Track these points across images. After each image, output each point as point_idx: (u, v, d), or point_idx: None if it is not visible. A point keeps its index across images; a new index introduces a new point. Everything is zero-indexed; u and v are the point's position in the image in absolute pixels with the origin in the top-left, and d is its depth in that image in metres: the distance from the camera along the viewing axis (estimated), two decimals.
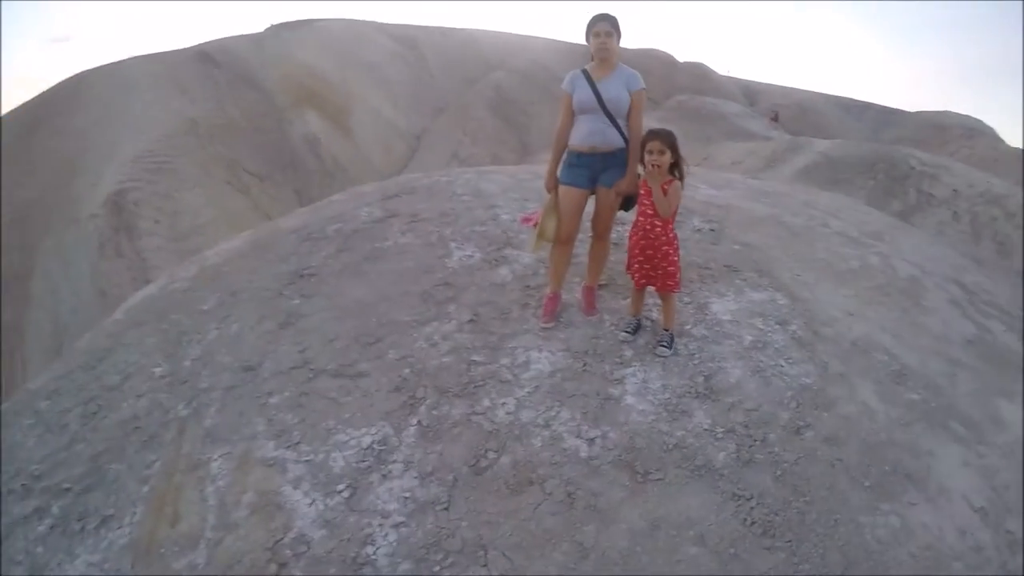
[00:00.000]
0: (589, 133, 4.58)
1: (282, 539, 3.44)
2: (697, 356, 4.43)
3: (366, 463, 3.77)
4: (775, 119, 34.10)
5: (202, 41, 31.35)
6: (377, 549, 3.34)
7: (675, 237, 4.47)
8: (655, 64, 37.40)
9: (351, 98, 31.93)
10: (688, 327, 4.72)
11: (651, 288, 4.56)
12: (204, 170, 24.40)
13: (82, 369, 5.19)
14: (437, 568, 3.24)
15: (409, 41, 36.71)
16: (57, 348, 18.44)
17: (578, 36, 4.78)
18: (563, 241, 4.76)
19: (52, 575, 3.68)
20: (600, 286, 5.13)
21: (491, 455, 3.74)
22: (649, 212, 4.41)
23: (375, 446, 3.86)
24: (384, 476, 3.70)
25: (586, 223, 4.89)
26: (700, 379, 4.23)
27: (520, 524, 3.40)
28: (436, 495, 3.57)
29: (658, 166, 4.29)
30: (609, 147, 4.58)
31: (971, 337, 5.33)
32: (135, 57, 28.96)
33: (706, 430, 3.86)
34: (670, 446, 3.76)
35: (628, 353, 4.45)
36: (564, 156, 4.77)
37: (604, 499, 3.50)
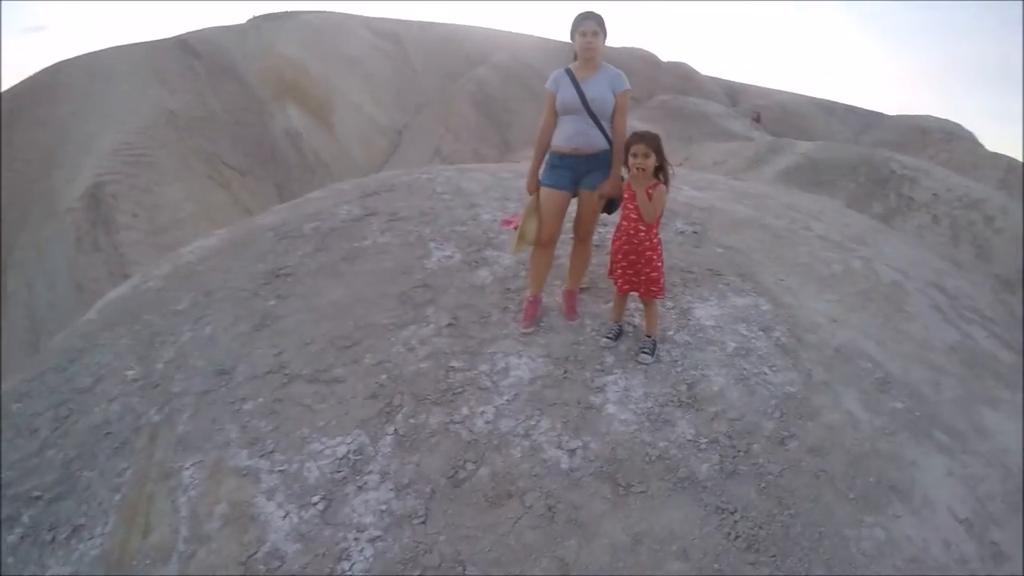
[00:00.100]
0: (572, 134, 4.49)
1: (255, 553, 3.34)
2: (680, 363, 4.36)
3: (341, 473, 3.67)
4: (757, 120, 34.29)
5: (183, 31, 31.02)
6: (353, 565, 3.24)
7: (659, 242, 4.39)
8: (638, 63, 37.49)
9: (333, 92, 31.81)
10: (671, 333, 4.65)
11: (634, 293, 4.48)
12: (184, 163, 24.22)
13: (54, 371, 5.06)
14: None
15: (391, 35, 36.54)
16: (34, 343, 18.24)
17: (562, 33, 4.69)
18: (544, 244, 4.66)
19: None
20: (582, 290, 5.04)
21: (469, 466, 3.65)
22: (633, 216, 4.33)
23: (350, 456, 3.76)
24: (360, 488, 3.60)
25: (568, 225, 4.81)
26: (683, 387, 4.15)
27: (499, 539, 3.31)
28: (413, 508, 3.47)
29: (643, 169, 4.20)
30: (592, 149, 4.49)
31: (953, 343, 5.31)
32: (114, 47, 28.70)
33: (689, 440, 3.78)
34: (653, 457, 3.68)
35: (610, 360, 4.37)
36: (546, 157, 4.68)
37: (585, 512, 3.41)
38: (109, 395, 4.61)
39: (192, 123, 25.95)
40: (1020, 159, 26.11)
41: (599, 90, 4.43)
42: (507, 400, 4.05)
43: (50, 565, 3.64)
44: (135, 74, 26.68)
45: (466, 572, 3.18)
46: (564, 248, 5.05)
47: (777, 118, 36.89)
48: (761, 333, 4.71)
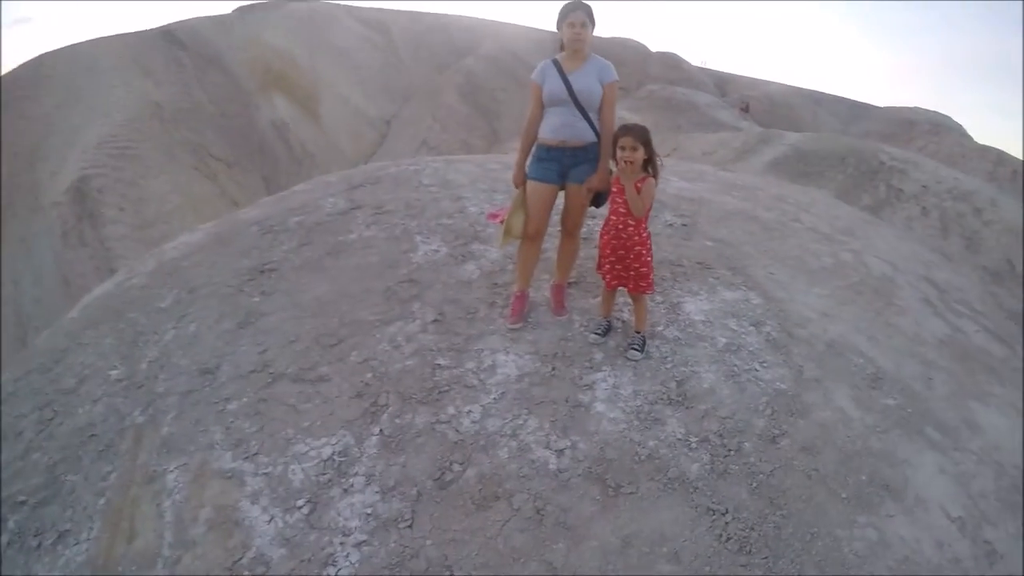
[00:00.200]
0: (559, 126, 4.41)
1: (240, 559, 3.28)
2: (670, 360, 4.29)
3: (326, 476, 3.60)
4: (745, 109, 34.33)
5: (168, 22, 30.76)
6: (339, 570, 3.18)
7: (648, 237, 4.32)
8: (627, 53, 37.43)
9: (320, 83, 31.69)
10: (660, 328, 4.58)
11: (623, 288, 4.42)
12: (170, 155, 24.08)
13: (38, 372, 4.98)
14: None
15: (379, 25, 36.34)
16: (22, 338, 18.11)
17: (550, 23, 4.58)
18: (531, 238, 4.58)
19: None
20: (570, 284, 4.97)
21: (456, 467, 3.58)
22: (621, 211, 4.25)
23: (336, 457, 3.69)
24: (345, 490, 3.52)
25: (555, 218, 4.73)
26: (673, 384, 4.08)
27: (487, 542, 3.24)
28: (399, 511, 3.40)
29: (631, 163, 4.12)
30: (580, 141, 4.41)
31: (944, 337, 5.27)
32: (98, 38, 28.44)
33: (679, 439, 3.72)
34: (642, 457, 3.61)
35: (598, 356, 4.30)
36: (533, 150, 4.59)
37: (574, 515, 3.35)
38: (93, 396, 4.53)
39: (178, 115, 25.81)
40: (1010, 152, 26.15)
41: (586, 81, 4.34)
42: (494, 399, 3.97)
43: (36, 571, 3.58)
44: (120, 66, 26.49)
45: None
46: (552, 241, 4.97)
47: (766, 109, 36.94)
48: (752, 328, 4.65)
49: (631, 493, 3.44)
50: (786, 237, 6.25)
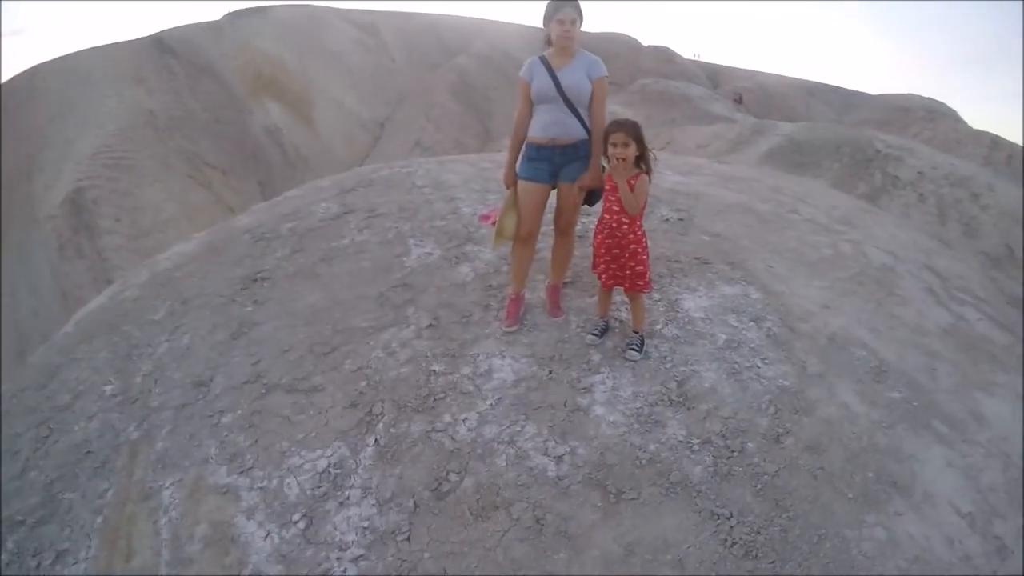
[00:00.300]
0: (548, 124, 4.31)
1: None
2: (669, 359, 4.20)
3: (322, 489, 3.54)
4: (739, 101, 34.25)
5: (158, 30, 30.73)
6: None
7: (644, 234, 4.23)
8: (619, 48, 37.43)
9: (312, 87, 31.67)
10: (659, 327, 4.49)
11: (619, 287, 4.33)
12: (164, 164, 24.07)
13: (33, 388, 4.93)
14: None
15: (369, 27, 36.30)
16: (21, 352, 18.03)
17: (539, 21, 4.48)
18: (524, 239, 4.49)
19: None
20: (565, 284, 4.88)
21: (453, 477, 3.50)
22: (615, 209, 4.16)
23: (331, 470, 3.62)
24: (341, 504, 3.46)
25: (549, 218, 4.64)
26: (673, 385, 3.99)
27: (486, 554, 3.17)
28: (396, 524, 3.33)
29: (623, 159, 4.02)
30: (570, 139, 4.32)
31: (947, 327, 5.18)
32: (90, 48, 28.38)
33: (681, 442, 3.63)
34: (643, 461, 3.53)
35: (596, 358, 4.21)
36: (523, 149, 4.50)
37: (575, 523, 3.27)
38: (88, 412, 4.48)
39: (171, 123, 25.76)
40: (1004, 136, 26.09)
41: (575, 77, 4.25)
42: (491, 405, 3.89)
43: None
44: (112, 76, 26.43)
45: None
46: (547, 240, 4.89)
47: (759, 100, 36.86)
48: (752, 324, 4.57)
49: (633, 499, 3.36)
50: (784, 229, 6.17)
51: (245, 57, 30.89)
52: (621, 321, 4.55)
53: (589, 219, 5.27)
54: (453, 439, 3.70)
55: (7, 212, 21.66)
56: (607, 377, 4.06)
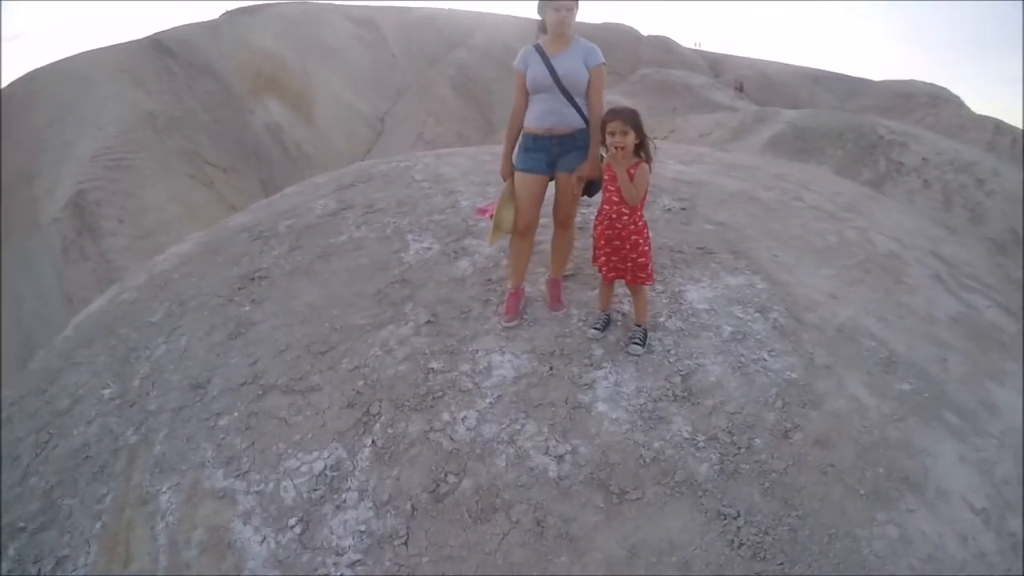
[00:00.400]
0: (545, 113, 4.20)
1: None
2: (673, 352, 4.10)
3: (318, 492, 3.47)
4: (740, 89, 34.11)
5: (155, 31, 30.78)
6: None
7: (644, 225, 4.12)
8: (619, 38, 37.34)
9: (311, 83, 31.72)
10: (662, 319, 4.39)
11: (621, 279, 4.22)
12: (165, 165, 24.18)
13: (33, 394, 4.91)
14: None
15: (367, 22, 36.30)
16: (27, 358, 18.03)
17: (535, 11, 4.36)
18: (522, 232, 4.38)
19: None
20: (566, 277, 4.78)
21: (451, 479, 3.41)
22: (615, 199, 4.04)
23: (328, 472, 3.55)
24: (338, 507, 3.39)
25: (548, 209, 4.52)
26: (677, 379, 3.88)
27: (485, 558, 3.08)
28: (394, 527, 3.25)
29: (622, 148, 3.90)
30: (567, 128, 4.20)
31: (956, 315, 5.07)
32: (87, 51, 28.46)
33: (686, 439, 3.52)
34: (647, 460, 3.42)
35: (598, 352, 4.10)
36: (519, 140, 4.38)
37: (577, 525, 3.17)
38: (87, 417, 4.45)
39: (171, 123, 25.85)
40: (1007, 121, 25.97)
41: (571, 65, 4.13)
42: (490, 403, 3.80)
43: None
44: (110, 77, 26.51)
45: None
46: (547, 232, 4.78)
47: (761, 87, 36.73)
48: (758, 315, 4.45)
49: (636, 499, 3.26)
50: (788, 217, 6.06)
51: (243, 56, 30.94)
52: (623, 314, 4.45)
53: (589, 210, 5.18)
54: (451, 439, 3.61)
55: (9, 218, 21.72)
56: (609, 372, 3.96)
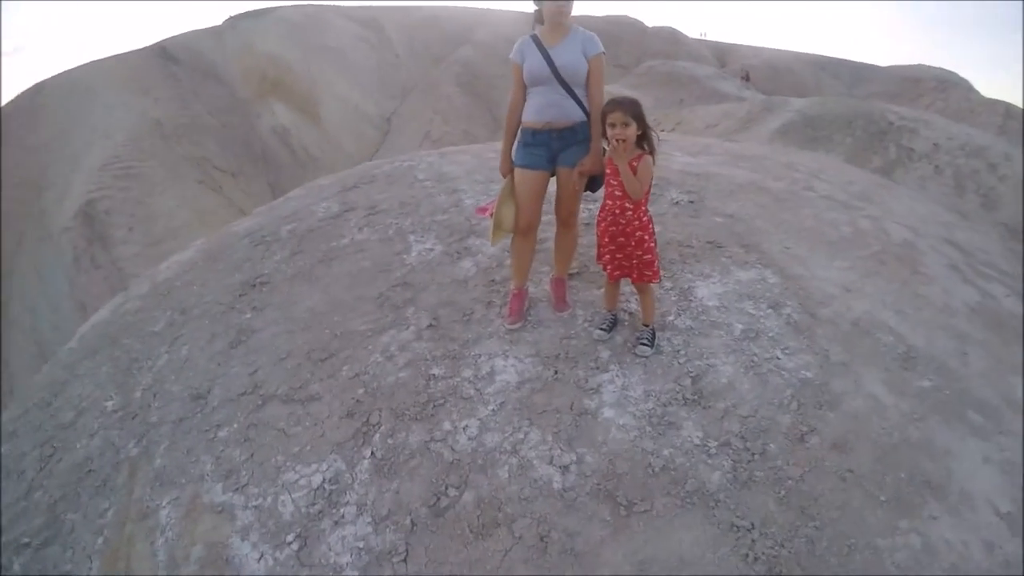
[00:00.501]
0: (544, 107, 4.05)
1: None
2: (683, 352, 3.94)
3: (317, 506, 3.37)
4: (746, 78, 33.94)
5: (159, 39, 31.11)
6: None
7: (650, 220, 3.95)
8: (625, 31, 37.22)
9: (317, 86, 31.91)
10: (671, 318, 4.24)
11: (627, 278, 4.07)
12: (173, 171, 24.46)
13: (38, 407, 4.90)
14: None
15: (371, 22, 36.42)
16: (41, 368, 18.15)
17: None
18: (524, 231, 4.24)
19: None
20: (571, 275, 4.64)
21: (452, 492, 3.28)
22: (617, 194, 3.88)
23: (326, 486, 3.46)
24: (336, 523, 3.29)
25: (549, 207, 4.39)
26: (687, 381, 3.73)
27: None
28: (392, 543, 3.13)
29: (623, 140, 3.72)
30: (567, 121, 4.05)
31: (975, 305, 4.89)
32: (92, 62, 28.92)
33: (697, 445, 3.37)
34: (656, 469, 3.27)
35: (605, 355, 3.96)
36: (518, 135, 4.23)
37: (582, 539, 3.03)
38: (90, 429, 4.43)
39: (178, 130, 26.20)
40: (1017, 105, 25.74)
41: (570, 56, 3.97)
42: (492, 410, 3.67)
43: None
44: (116, 87, 26.90)
45: None
46: (550, 229, 4.66)
47: (767, 76, 36.56)
48: (770, 311, 4.29)
49: (645, 511, 3.11)
50: (799, 207, 5.89)
51: (248, 60, 31.23)
52: (631, 313, 4.30)
53: (596, 205, 5.03)
54: (452, 449, 3.49)
55: (20, 229, 21.97)
56: (616, 375, 3.81)
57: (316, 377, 4.12)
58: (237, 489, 3.56)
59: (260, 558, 3.22)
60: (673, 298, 4.44)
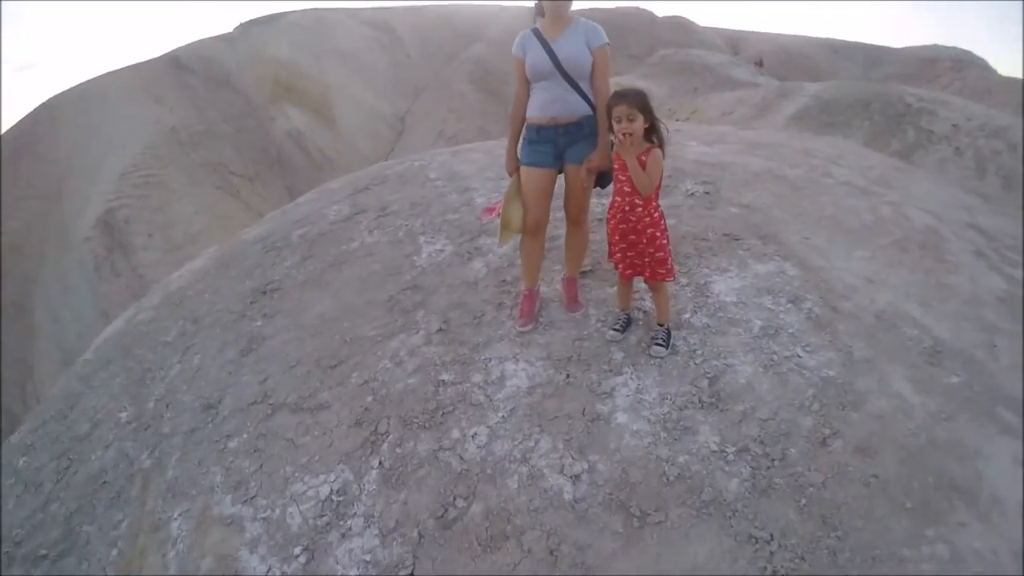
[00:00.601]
0: (548, 102, 3.92)
1: None
2: (699, 352, 3.81)
3: (324, 518, 3.32)
4: (760, 64, 33.63)
5: (172, 48, 31.55)
6: None
7: (661, 216, 3.80)
8: (635, 21, 37.09)
9: (330, 88, 32.20)
10: (687, 316, 4.10)
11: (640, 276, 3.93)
12: (191, 178, 24.82)
13: (55, 419, 4.95)
14: None
15: (382, 23, 36.65)
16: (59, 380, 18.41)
17: None
18: (532, 231, 4.12)
19: None
20: (583, 274, 4.53)
21: (460, 503, 3.19)
22: (626, 190, 3.74)
23: (334, 497, 3.41)
24: (343, 535, 3.23)
25: (558, 204, 4.29)
26: (704, 383, 3.59)
27: None
28: (400, 557, 3.06)
29: (630, 134, 3.57)
30: (572, 116, 3.92)
31: (1001, 294, 4.69)
32: (106, 74, 29.49)
33: (714, 452, 3.23)
34: (671, 477, 3.14)
35: (618, 356, 3.84)
36: (523, 132, 4.12)
37: (593, 552, 2.92)
38: (105, 441, 4.45)
39: (194, 137, 26.57)
40: None
41: (573, 48, 3.84)
42: (502, 417, 3.57)
43: None
44: (131, 97, 27.38)
45: None
46: (561, 228, 4.56)
47: (781, 61, 36.29)
48: (790, 305, 4.14)
49: (659, 522, 2.99)
50: (818, 195, 5.72)
51: (260, 66, 31.65)
52: (645, 312, 4.18)
53: (607, 200, 4.91)
54: (461, 458, 3.40)
55: (42, 241, 22.29)
56: (630, 378, 3.69)
57: (325, 385, 4.08)
58: (246, 501, 3.53)
59: (268, 571, 3.19)
60: (689, 294, 4.31)
